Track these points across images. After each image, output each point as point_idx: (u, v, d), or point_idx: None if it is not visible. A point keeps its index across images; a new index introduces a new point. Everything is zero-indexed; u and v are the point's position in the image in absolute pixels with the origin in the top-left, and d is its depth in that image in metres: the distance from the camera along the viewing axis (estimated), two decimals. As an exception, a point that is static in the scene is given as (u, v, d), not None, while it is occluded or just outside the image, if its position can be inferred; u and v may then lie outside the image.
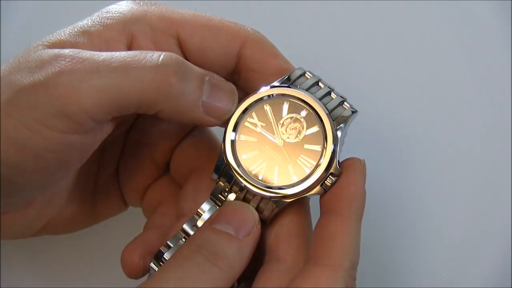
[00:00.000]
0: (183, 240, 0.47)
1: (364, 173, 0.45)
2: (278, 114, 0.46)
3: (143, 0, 0.48)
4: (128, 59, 0.42)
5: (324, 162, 0.45)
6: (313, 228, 0.45)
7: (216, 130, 0.52)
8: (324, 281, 0.41)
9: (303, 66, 0.48)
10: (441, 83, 0.61)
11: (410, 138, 0.60)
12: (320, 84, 0.47)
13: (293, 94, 0.46)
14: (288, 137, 0.46)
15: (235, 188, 0.46)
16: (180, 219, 0.50)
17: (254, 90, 0.47)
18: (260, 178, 0.46)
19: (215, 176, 0.47)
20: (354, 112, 0.46)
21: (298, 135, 0.46)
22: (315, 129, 0.46)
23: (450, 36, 0.62)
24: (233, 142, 0.46)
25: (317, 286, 0.41)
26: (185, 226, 0.47)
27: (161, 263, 0.46)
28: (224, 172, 0.46)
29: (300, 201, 0.46)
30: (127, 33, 0.46)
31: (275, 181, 0.45)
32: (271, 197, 0.45)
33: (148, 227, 0.52)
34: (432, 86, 0.61)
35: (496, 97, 0.60)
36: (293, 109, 0.46)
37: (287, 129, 0.46)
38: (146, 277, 0.49)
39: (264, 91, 0.47)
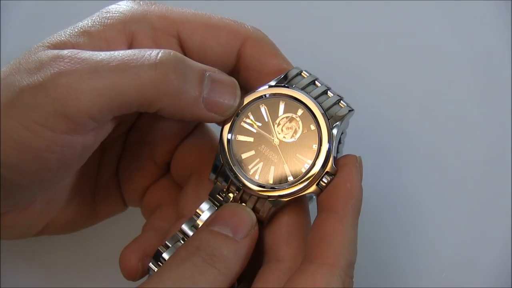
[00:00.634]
0: (182, 240, 0.47)
1: (361, 171, 0.45)
2: (274, 113, 0.46)
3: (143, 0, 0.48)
4: (126, 58, 0.42)
5: (320, 161, 0.45)
6: (311, 227, 0.45)
7: (217, 131, 0.52)
8: (320, 280, 0.41)
9: (302, 65, 0.48)
10: (440, 83, 0.61)
11: (409, 138, 0.60)
12: (316, 83, 0.47)
13: (288, 93, 0.46)
14: (284, 137, 0.46)
15: (232, 188, 0.46)
16: (179, 219, 0.50)
17: (253, 89, 0.47)
18: (256, 178, 0.46)
19: (212, 176, 0.47)
20: (350, 110, 0.46)
21: (294, 135, 0.46)
22: (310, 128, 0.46)
23: (450, 36, 0.62)
24: (229, 142, 0.46)
25: (313, 285, 0.41)
26: (184, 227, 0.47)
27: (159, 263, 0.46)
28: (221, 172, 0.46)
29: (298, 201, 0.46)
30: (128, 33, 0.45)
31: (271, 180, 0.45)
32: (267, 197, 0.45)
33: (147, 228, 0.52)
34: (432, 86, 0.61)
35: (496, 97, 0.60)
36: (289, 108, 0.46)
37: (283, 129, 0.46)
38: (145, 278, 0.49)
39: (260, 90, 0.47)
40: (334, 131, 0.45)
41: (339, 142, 0.49)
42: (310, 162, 0.45)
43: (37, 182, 0.43)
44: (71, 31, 0.45)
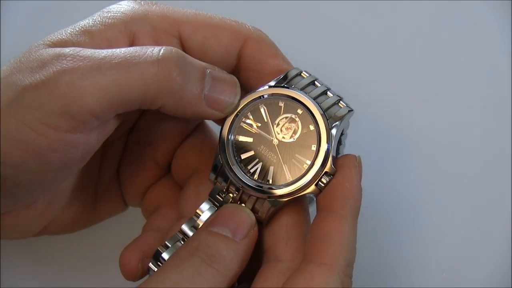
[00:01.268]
0: (181, 241, 0.47)
1: (360, 170, 0.45)
2: (273, 114, 0.46)
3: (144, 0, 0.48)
4: (128, 55, 0.42)
5: (318, 161, 0.45)
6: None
7: (218, 131, 0.52)
8: (319, 280, 0.41)
9: (303, 65, 0.48)
10: (440, 83, 0.61)
11: (409, 138, 0.60)
12: (316, 83, 0.47)
13: (288, 93, 0.46)
14: (283, 137, 0.46)
15: (231, 188, 0.47)
16: (180, 220, 0.50)
17: (253, 89, 0.47)
18: (255, 178, 0.46)
19: (212, 176, 0.47)
20: (350, 111, 0.46)
21: (293, 135, 0.46)
22: (310, 128, 0.46)
23: (450, 36, 0.62)
24: (229, 142, 0.46)
25: (312, 285, 0.41)
26: (184, 227, 0.47)
27: (159, 263, 0.47)
28: (221, 173, 0.47)
29: (298, 200, 0.46)
30: (129, 32, 0.45)
31: (270, 181, 0.45)
32: (266, 197, 0.45)
33: (147, 229, 0.52)
34: (432, 86, 0.61)
35: (496, 97, 0.60)
36: (288, 109, 0.46)
37: (282, 129, 0.46)
38: (145, 278, 0.49)
39: (259, 91, 0.47)
40: (333, 131, 0.45)
41: (340, 143, 0.49)
42: (309, 162, 0.45)
43: (38, 182, 0.43)
44: (72, 30, 0.45)
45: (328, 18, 0.63)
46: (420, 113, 0.60)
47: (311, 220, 0.46)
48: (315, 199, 0.47)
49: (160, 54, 0.42)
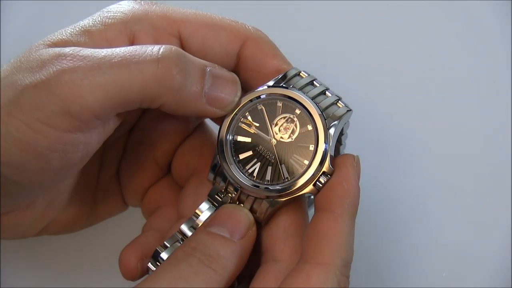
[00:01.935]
0: (181, 241, 0.47)
1: (358, 170, 0.45)
2: (271, 114, 0.46)
3: (144, 0, 0.48)
4: (128, 54, 0.42)
5: (316, 161, 0.45)
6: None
7: (217, 131, 0.52)
8: (315, 279, 0.41)
9: (302, 65, 0.48)
10: (440, 83, 0.61)
11: (409, 138, 0.60)
12: (315, 83, 0.47)
13: (286, 93, 0.46)
14: (281, 137, 0.46)
15: (230, 188, 0.47)
16: (179, 220, 0.50)
17: (253, 89, 0.47)
18: (253, 178, 0.46)
19: (211, 176, 0.47)
20: (348, 110, 0.46)
21: (292, 135, 0.46)
22: (307, 128, 0.46)
23: (450, 36, 0.62)
24: (227, 143, 0.46)
25: (308, 285, 0.41)
26: (183, 227, 0.47)
27: (158, 263, 0.47)
28: (219, 173, 0.47)
29: (296, 201, 0.46)
30: (129, 32, 0.45)
31: (268, 181, 0.45)
32: (265, 196, 0.45)
33: (147, 229, 0.52)
34: (432, 86, 0.61)
35: (496, 96, 0.60)
36: (287, 109, 0.46)
37: (281, 129, 0.46)
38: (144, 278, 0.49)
39: (258, 91, 0.47)
40: (331, 130, 0.45)
41: (340, 144, 0.49)
42: (307, 162, 0.45)
43: (38, 182, 0.43)
44: (72, 30, 0.45)
45: (328, 19, 0.63)
46: (420, 113, 0.60)
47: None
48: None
49: (160, 52, 0.42)
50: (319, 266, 0.41)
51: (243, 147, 0.46)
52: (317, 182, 0.45)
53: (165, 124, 0.52)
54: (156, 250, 0.47)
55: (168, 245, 0.47)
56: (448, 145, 0.59)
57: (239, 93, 0.46)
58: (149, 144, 0.53)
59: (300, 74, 0.47)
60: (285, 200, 0.45)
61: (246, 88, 0.48)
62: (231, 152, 0.46)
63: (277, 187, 0.45)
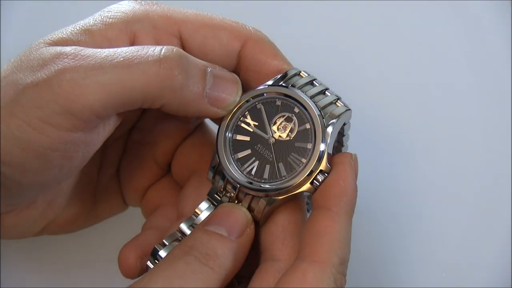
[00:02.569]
0: (180, 239, 0.47)
1: (356, 168, 0.45)
2: (270, 113, 0.47)
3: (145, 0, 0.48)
4: (130, 54, 0.42)
5: (313, 159, 0.45)
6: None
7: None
8: (311, 277, 0.41)
9: (302, 65, 0.48)
10: (440, 83, 0.61)
11: (409, 138, 0.60)
12: (314, 83, 0.47)
13: (284, 92, 0.46)
14: (280, 136, 0.46)
15: (229, 187, 0.47)
16: (179, 219, 0.50)
17: (253, 88, 0.47)
18: (251, 176, 0.46)
19: (210, 175, 0.47)
20: (347, 110, 0.46)
21: (290, 134, 0.46)
22: (306, 127, 0.46)
23: (450, 36, 0.62)
24: (226, 141, 0.47)
25: (304, 283, 0.41)
26: (182, 226, 0.47)
27: (156, 261, 0.47)
28: (218, 172, 0.47)
29: (295, 199, 0.46)
30: (130, 32, 0.46)
31: (266, 179, 0.45)
32: (263, 195, 0.45)
33: (147, 227, 0.52)
34: (432, 86, 0.61)
35: (496, 96, 0.60)
36: (285, 107, 0.46)
37: (279, 128, 0.46)
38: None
39: (257, 90, 0.47)
40: (329, 129, 0.45)
41: (342, 145, 0.49)
42: (305, 160, 0.45)
43: (39, 181, 0.43)
44: (73, 29, 0.45)
45: (329, 20, 0.63)
46: (420, 113, 0.60)
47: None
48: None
49: (162, 53, 0.42)
50: (315, 264, 0.41)
51: (242, 145, 0.46)
52: (314, 181, 0.45)
53: (165, 123, 0.52)
54: (155, 248, 0.47)
55: (167, 243, 0.47)
56: (448, 145, 0.59)
57: (239, 93, 0.47)
58: (149, 144, 0.53)
59: (300, 73, 0.47)
60: (282, 199, 0.45)
61: (246, 88, 0.48)
62: (230, 150, 0.46)
63: (274, 185, 0.45)
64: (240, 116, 0.47)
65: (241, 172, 0.46)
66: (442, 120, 0.60)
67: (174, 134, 0.52)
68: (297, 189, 0.45)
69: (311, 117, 0.45)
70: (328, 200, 0.43)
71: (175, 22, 0.47)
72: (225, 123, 0.47)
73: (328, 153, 0.45)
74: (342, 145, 0.49)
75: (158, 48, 0.43)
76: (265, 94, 0.47)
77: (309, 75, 0.47)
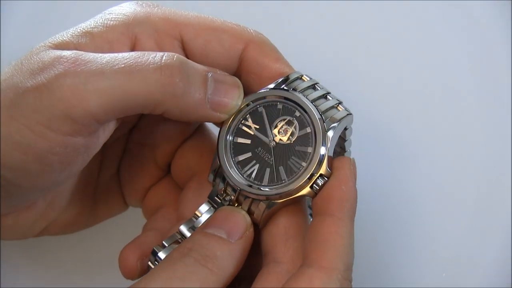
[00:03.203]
0: (180, 241, 0.47)
1: (355, 172, 0.45)
2: (271, 116, 0.47)
3: (146, 1, 0.48)
4: (131, 61, 0.42)
5: (313, 163, 0.45)
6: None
7: (217, 133, 0.52)
8: (318, 283, 0.41)
9: (303, 68, 0.48)
10: (440, 83, 0.60)
11: (409, 139, 0.59)
12: (316, 87, 0.47)
13: (286, 96, 0.46)
14: (280, 139, 0.46)
15: (229, 190, 0.47)
16: (180, 221, 0.50)
17: (254, 92, 0.47)
18: (252, 179, 0.46)
19: (211, 178, 0.47)
20: (348, 114, 0.46)
21: (291, 137, 0.46)
22: (306, 131, 0.46)
23: (450, 36, 0.62)
24: (227, 144, 0.46)
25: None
26: (182, 228, 0.47)
27: (156, 262, 0.47)
28: (219, 174, 0.47)
29: (296, 203, 0.46)
30: (131, 34, 0.45)
31: (266, 182, 0.46)
32: (262, 198, 0.45)
33: (147, 228, 0.52)
34: (432, 86, 0.61)
35: (496, 97, 0.59)
36: (286, 111, 0.46)
37: (280, 131, 0.46)
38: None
39: (258, 93, 0.47)
40: (330, 133, 0.45)
41: (345, 150, 0.49)
42: (305, 164, 0.45)
43: (39, 184, 0.43)
44: (73, 32, 0.45)
45: (329, 22, 0.63)
46: (420, 114, 0.60)
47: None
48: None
49: (163, 60, 0.43)
50: (321, 270, 0.41)
51: (243, 148, 0.46)
52: (314, 185, 0.45)
53: (165, 125, 0.52)
54: (154, 249, 0.47)
55: (166, 245, 0.47)
56: (448, 146, 0.59)
57: (241, 97, 0.47)
58: (149, 145, 0.53)
59: (302, 77, 0.47)
60: (282, 202, 0.45)
61: (247, 91, 0.48)
62: (231, 153, 0.46)
63: (274, 188, 0.45)
64: (241, 119, 0.47)
65: (241, 175, 0.46)
66: (442, 120, 0.60)
67: (174, 136, 0.52)
68: (296, 193, 0.45)
69: (311, 121, 0.45)
70: (331, 206, 0.43)
71: (176, 24, 0.47)
72: (226, 125, 0.47)
73: (328, 157, 0.45)
74: (345, 151, 0.49)
75: (159, 54, 0.43)
76: (266, 98, 0.47)
77: (311, 79, 0.47)
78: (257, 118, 0.47)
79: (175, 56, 0.43)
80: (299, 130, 0.46)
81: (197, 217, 0.47)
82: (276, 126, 0.46)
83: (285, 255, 0.45)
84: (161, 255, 0.46)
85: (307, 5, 0.63)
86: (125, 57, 0.42)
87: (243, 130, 0.47)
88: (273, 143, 0.46)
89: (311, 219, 0.45)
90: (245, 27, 0.48)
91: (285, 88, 0.47)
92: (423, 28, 0.62)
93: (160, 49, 0.46)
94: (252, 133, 0.47)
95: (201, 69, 0.45)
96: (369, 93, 0.60)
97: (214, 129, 0.54)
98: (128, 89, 0.41)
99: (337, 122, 0.45)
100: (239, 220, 0.45)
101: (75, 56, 0.42)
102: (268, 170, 0.46)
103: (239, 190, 0.46)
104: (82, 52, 0.42)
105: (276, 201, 0.45)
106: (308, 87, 0.47)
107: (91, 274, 0.60)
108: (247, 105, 0.47)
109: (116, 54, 0.42)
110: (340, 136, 0.47)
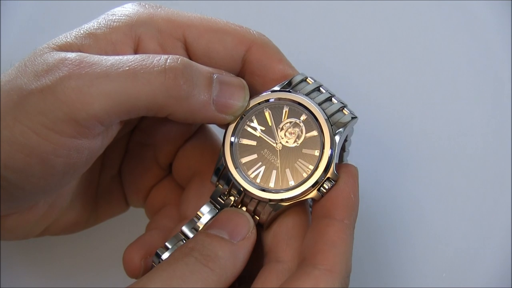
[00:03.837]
0: (183, 241, 0.47)
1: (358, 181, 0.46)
2: (278, 118, 0.46)
3: (148, 2, 0.47)
4: (135, 64, 0.42)
5: (321, 167, 0.45)
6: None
7: (220, 133, 0.52)
8: (323, 285, 0.41)
9: (305, 69, 0.48)
10: (440, 84, 0.61)
11: (409, 141, 0.60)
12: (321, 89, 0.47)
13: (293, 98, 0.46)
14: (287, 142, 0.46)
15: (233, 191, 0.47)
16: (182, 221, 0.50)
17: (260, 93, 0.47)
18: (257, 181, 0.46)
19: (214, 179, 0.47)
20: (353, 118, 0.46)
21: (297, 140, 0.46)
22: (313, 133, 0.46)
23: (450, 36, 0.62)
24: (232, 145, 0.46)
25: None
26: (184, 228, 0.47)
27: (160, 262, 0.46)
28: (223, 175, 0.47)
29: (299, 203, 0.46)
30: (134, 35, 0.45)
31: (272, 184, 0.46)
32: (268, 200, 0.45)
33: (151, 228, 0.52)
34: (432, 87, 0.61)
35: (496, 98, 0.60)
36: (293, 113, 0.46)
37: (286, 134, 0.46)
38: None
39: (264, 95, 0.47)
40: (337, 137, 0.45)
41: (344, 150, 0.49)
42: (312, 167, 0.45)
43: (42, 186, 0.43)
44: (77, 33, 0.45)
45: (330, 23, 0.63)
46: (419, 115, 0.60)
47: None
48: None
49: (167, 63, 0.43)
50: (327, 273, 0.42)
51: (248, 150, 0.46)
52: (322, 188, 0.45)
53: (167, 125, 0.52)
54: (157, 252, 0.47)
55: (169, 246, 0.47)
56: (448, 146, 0.59)
57: (247, 98, 0.46)
58: (151, 145, 0.53)
59: (307, 80, 0.47)
60: (288, 205, 0.45)
61: (251, 93, 0.48)
62: (236, 154, 0.46)
63: (281, 191, 0.45)
64: (246, 120, 0.47)
65: (246, 177, 0.46)
66: (442, 121, 0.60)
67: (176, 136, 0.52)
68: (303, 196, 0.45)
69: (319, 124, 0.45)
70: (340, 212, 0.44)
71: (179, 26, 0.46)
72: (231, 127, 0.46)
73: (335, 161, 0.45)
74: (344, 151, 0.49)
75: (163, 57, 0.43)
76: (272, 99, 0.46)
77: (315, 81, 0.47)
78: (263, 120, 0.47)
79: (180, 59, 0.43)
80: (306, 133, 0.46)
81: (199, 217, 0.47)
82: (282, 129, 0.46)
83: (286, 254, 0.45)
84: (165, 257, 0.46)
85: (308, 6, 0.63)
86: (129, 60, 0.42)
87: (248, 131, 0.47)
88: (279, 146, 0.46)
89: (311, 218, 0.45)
90: (248, 29, 0.48)
91: (290, 90, 0.46)
92: (422, 29, 0.62)
93: (163, 50, 0.46)
94: (258, 135, 0.46)
95: (206, 71, 0.45)
96: (369, 93, 0.60)
97: (215, 129, 0.54)
98: (132, 92, 0.41)
99: (343, 126, 0.46)
100: (242, 222, 0.45)
101: (79, 59, 0.41)
102: (274, 172, 0.46)
103: (244, 191, 0.46)
104: (87, 55, 0.42)
105: (282, 203, 0.45)
106: (314, 90, 0.47)
107: (92, 274, 0.60)
108: (253, 106, 0.47)
109: (120, 57, 0.42)
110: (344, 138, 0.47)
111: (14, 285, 0.59)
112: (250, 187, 0.45)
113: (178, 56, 0.43)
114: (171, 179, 0.54)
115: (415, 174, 0.59)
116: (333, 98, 0.47)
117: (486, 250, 0.57)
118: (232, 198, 0.47)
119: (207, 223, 0.47)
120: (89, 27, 0.45)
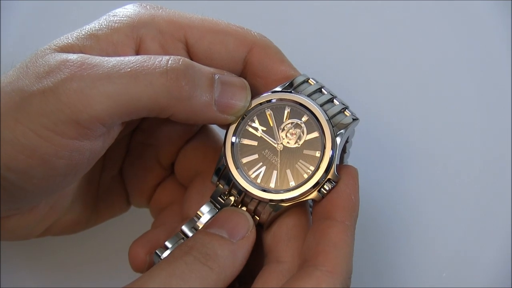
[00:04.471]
0: (182, 241, 0.47)
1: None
2: (279, 119, 0.47)
3: (150, 4, 0.47)
4: (137, 65, 0.42)
5: (322, 168, 0.45)
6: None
7: (222, 133, 0.52)
8: (325, 285, 0.41)
9: (306, 70, 0.48)
10: (440, 84, 0.61)
11: (409, 143, 0.60)
12: (322, 90, 0.47)
13: (294, 99, 0.46)
14: (288, 142, 0.46)
15: (233, 191, 0.47)
16: (184, 220, 0.50)
17: (261, 94, 0.47)
18: (258, 181, 0.46)
19: (215, 179, 0.47)
20: (355, 119, 0.46)
21: (298, 141, 0.46)
22: (315, 135, 0.46)
23: (450, 37, 0.62)
24: (233, 146, 0.46)
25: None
26: (184, 228, 0.47)
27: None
28: (224, 175, 0.47)
29: (299, 204, 0.46)
30: (135, 36, 0.45)
31: (273, 185, 0.46)
32: (268, 200, 0.45)
33: (156, 225, 0.53)
34: (432, 87, 0.61)
35: (496, 97, 0.60)
36: (294, 114, 0.46)
37: (287, 134, 0.46)
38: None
39: (266, 95, 0.47)
40: (338, 139, 0.45)
41: (344, 152, 0.49)
42: (313, 168, 0.45)
43: (43, 188, 0.43)
44: (78, 34, 0.45)
45: (330, 24, 0.63)
46: (419, 116, 0.60)
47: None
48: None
49: (169, 64, 0.42)
50: (329, 275, 0.42)
51: (249, 150, 0.46)
52: (322, 189, 0.45)
53: (169, 126, 0.52)
54: (156, 252, 0.47)
55: (169, 246, 0.47)
56: (448, 147, 0.59)
57: (249, 98, 0.46)
58: (153, 145, 0.53)
59: (309, 81, 0.47)
60: (288, 205, 0.45)
61: (253, 94, 0.48)
62: (237, 155, 0.46)
63: (281, 192, 0.45)
64: (248, 120, 0.47)
65: (247, 177, 0.46)
66: (442, 121, 0.60)
67: (177, 136, 0.52)
68: (304, 197, 0.45)
69: (321, 125, 0.45)
70: (342, 213, 0.44)
71: (181, 27, 0.46)
72: (233, 127, 0.46)
73: (335, 163, 0.45)
74: (345, 152, 0.49)
75: (165, 58, 0.43)
76: (274, 100, 0.47)
77: (317, 82, 0.47)
78: (264, 120, 0.47)
79: (181, 60, 0.43)
80: (307, 134, 0.46)
81: (198, 217, 0.47)
82: (283, 129, 0.46)
83: (286, 254, 0.45)
84: (164, 255, 0.46)
85: (309, 7, 0.63)
86: (131, 61, 0.42)
87: (249, 131, 0.47)
88: (280, 146, 0.46)
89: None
90: (249, 30, 0.48)
91: (292, 91, 0.47)
92: (422, 29, 0.62)
93: (165, 51, 0.46)
94: (259, 135, 0.46)
95: (208, 71, 0.45)
96: (369, 93, 0.60)
97: (216, 129, 0.54)
98: (134, 94, 0.41)
99: (344, 128, 0.46)
100: (241, 221, 0.45)
101: (81, 60, 0.41)
102: (275, 172, 0.46)
103: (245, 191, 0.46)
104: (88, 56, 0.42)
105: (283, 204, 0.45)
106: (315, 91, 0.47)
107: (92, 274, 0.60)
108: (255, 106, 0.47)
109: (122, 58, 0.42)
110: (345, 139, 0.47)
111: (14, 285, 0.59)
112: (251, 187, 0.45)
113: (179, 57, 0.43)
114: (175, 178, 0.54)
115: (415, 175, 0.59)
116: (335, 100, 0.47)
117: (486, 250, 0.57)
118: (232, 198, 0.47)
119: (207, 222, 0.47)
120: (90, 28, 0.45)
